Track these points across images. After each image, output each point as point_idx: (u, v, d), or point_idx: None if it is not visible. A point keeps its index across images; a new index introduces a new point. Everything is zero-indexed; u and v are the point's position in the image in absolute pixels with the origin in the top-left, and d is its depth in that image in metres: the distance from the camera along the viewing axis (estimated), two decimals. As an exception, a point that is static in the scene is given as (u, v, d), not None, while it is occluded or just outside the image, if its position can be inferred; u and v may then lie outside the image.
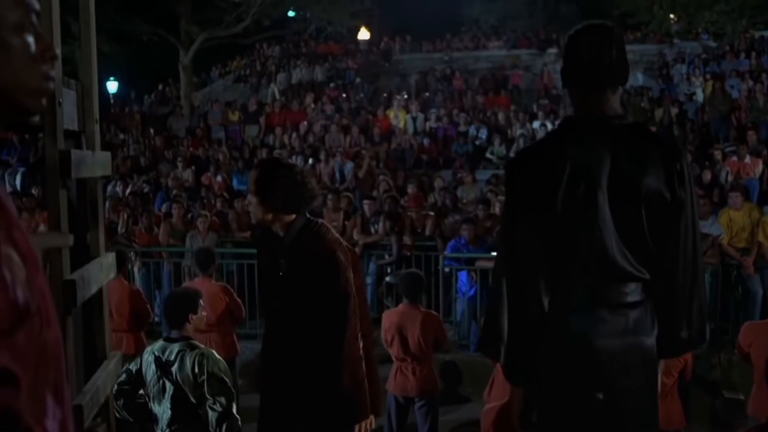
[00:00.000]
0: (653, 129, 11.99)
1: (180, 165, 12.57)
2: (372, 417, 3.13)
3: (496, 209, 8.45)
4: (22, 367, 0.87)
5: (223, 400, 3.56)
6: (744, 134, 11.86)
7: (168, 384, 3.76)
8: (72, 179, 2.27)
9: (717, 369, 6.79)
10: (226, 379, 3.63)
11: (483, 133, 14.50)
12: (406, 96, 17.86)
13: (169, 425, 3.65)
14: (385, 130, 15.01)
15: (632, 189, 1.94)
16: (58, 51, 2.31)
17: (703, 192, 9.24)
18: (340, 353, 2.92)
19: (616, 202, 1.95)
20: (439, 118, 15.37)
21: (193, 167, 12.63)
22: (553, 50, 22.19)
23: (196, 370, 3.66)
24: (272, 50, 24.53)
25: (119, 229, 9.00)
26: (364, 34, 23.81)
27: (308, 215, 3.04)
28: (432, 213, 8.83)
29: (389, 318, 5.12)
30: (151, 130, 15.46)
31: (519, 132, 14.09)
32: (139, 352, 5.80)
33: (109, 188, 11.06)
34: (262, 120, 15.93)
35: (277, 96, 19.23)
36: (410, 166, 13.65)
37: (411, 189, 10.25)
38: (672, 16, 19.73)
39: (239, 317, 5.87)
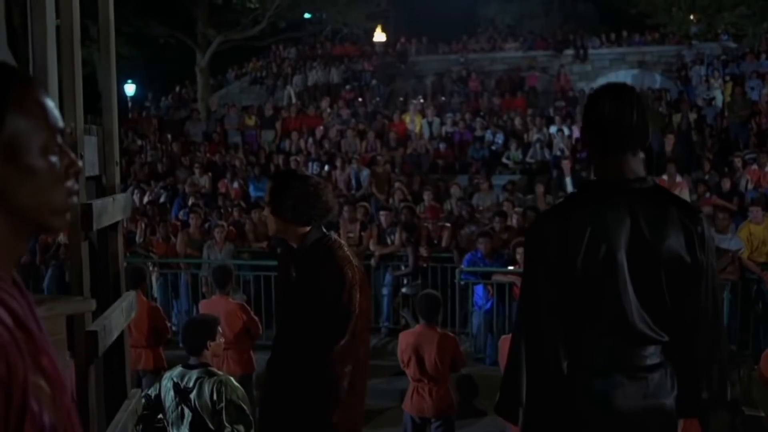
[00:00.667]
0: (671, 137, 11.99)
1: (197, 171, 12.65)
2: None
3: (513, 221, 8.43)
4: None
5: (241, 428, 3.60)
6: (765, 141, 11.73)
7: (187, 411, 3.80)
8: (94, 231, 2.29)
9: (737, 385, 6.72)
10: (245, 407, 3.67)
11: (499, 138, 14.44)
12: (422, 100, 17.83)
13: (187, 451, 3.69)
14: (401, 134, 15.00)
15: (652, 253, 1.93)
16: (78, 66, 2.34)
17: (723, 202, 9.19)
18: (324, 370, 2.85)
19: (635, 266, 1.94)
20: (455, 123, 15.33)
21: (209, 173, 12.69)
22: (570, 51, 22.07)
23: (215, 397, 3.70)
24: (288, 52, 24.58)
25: (137, 238, 9.07)
26: (379, 36, 23.79)
27: (324, 229, 3.01)
28: (448, 224, 8.81)
29: (406, 338, 5.12)
30: (169, 136, 15.54)
31: (535, 137, 14.02)
32: (157, 368, 5.88)
33: (126, 193, 11.13)
34: (278, 125, 15.97)
35: (293, 98, 19.27)
36: (426, 171, 13.63)
37: (427, 197, 10.23)
38: (691, 17, 19.52)
39: (256, 335, 5.91)
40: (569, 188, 11.37)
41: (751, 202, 8.10)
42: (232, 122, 16.14)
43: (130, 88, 24.42)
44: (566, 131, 13.99)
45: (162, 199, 11.55)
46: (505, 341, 4.72)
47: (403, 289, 8.23)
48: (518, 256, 7.16)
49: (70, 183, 1.05)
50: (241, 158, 13.68)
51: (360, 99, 19.07)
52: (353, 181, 12.21)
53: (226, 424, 3.59)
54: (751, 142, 12.51)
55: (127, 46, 18.60)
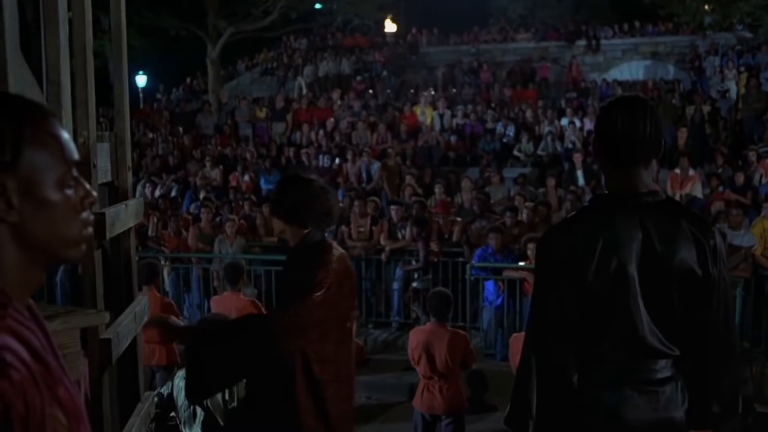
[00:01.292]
0: (684, 130, 11.89)
1: (208, 164, 12.68)
2: None
3: (524, 216, 8.40)
4: None
5: (253, 427, 3.63)
6: (779, 134, 11.62)
7: (199, 409, 3.84)
8: (107, 240, 2.31)
9: (749, 383, 6.70)
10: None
11: (510, 131, 14.37)
12: (433, 91, 17.77)
13: (200, 451, 3.73)
14: (411, 127, 14.96)
15: (663, 267, 1.92)
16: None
17: (736, 196, 9.12)
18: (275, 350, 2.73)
19: (647, 280, 1.93)
20: (466, 115, 15.27)
21: (221, 166, 12.73)
22: (582, 42, 21.91)
23: (227, 396, 3.74)
24: (299, 43, 24.54)
25: (149, 233, 9.13)
26: (390, 27, 23.73)
27: (325, 234, 2.97)
28: (459, 219, 8.80)
29: (416, 336, 5.13)
30: (180, 129, 15.58)
31: (547, 129, 13.93)
32: (170, 363, 5.93)
33: (138, 189, 11.20)
34: (289, 117, 15.97)
35: (304, 89, 19.27)
36: (437, 163, 13.61)
37: (438, 191, 10.21)
38: (706, 7, 19.28)
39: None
40: (581, 181, 11.32)
41: (765, 198, 8.03)
42: (243, 114, 16.16)
43: (141, 80, 24.49)
44: (578, 123, 13.91)
45: (173, 193, 11.60)
46: (516, 339, 4.74)
47: (414, 284, 8.25)
48: (529, 252, 7.14)
49: (85, 214, 1.06)
50: (252, 151, 13.70)
51: (371, 90, 19.03)
52: (364, 174, 12.21)
53: (238, 424, 3.61)
54: (765, 135, 12.37)
55: (138, 37, 18.64)
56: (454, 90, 18.57)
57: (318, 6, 23.75)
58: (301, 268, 2.82)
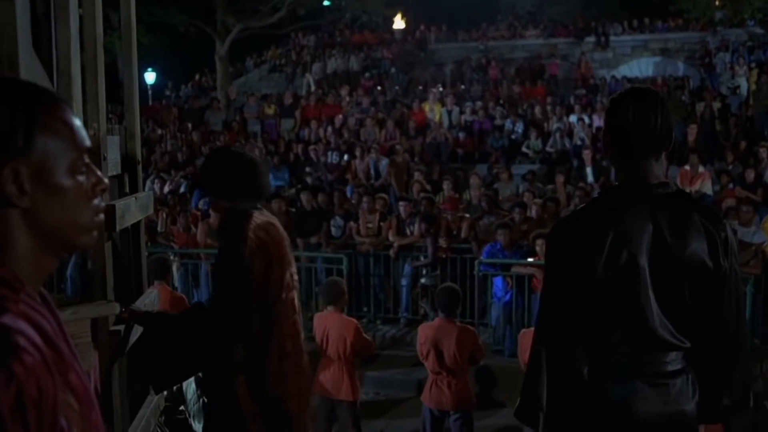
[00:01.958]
0: (694, 126, 11.82)
1: (217, 160, 12.67)
2: None
3: (533, 212, 8.38)
4: None
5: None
6: (791, 130, 11.53)
7: (208, 403, 3.84)
8: (117, 232, 2.32)
9: (759, 380, 6.66)
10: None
11: (519, 127, 14.33)
12: (441, 88, 17.73)
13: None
14: (420, 123, 14.94)
15: (674, 259, 1.91)
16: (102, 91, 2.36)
17: (746, 193, 9.07)
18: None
19: (657, 272, 1.92)
20: (474, 112, 15.24)
21: (229, 163, 12.71)
22: (591, 38, 21.82)
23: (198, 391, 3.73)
24: (307, 40, 24.54)
25: (158, 228, 9.16)
26: (399, 23, 23.70)
27: (256, 207, 2.77)
28: (467, 215, 8.79)
29: (425, 332, 5.13)
30: (189, 125, 15.62)
31: (555, 126, 13.89)
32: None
33: (147, 185, 11.24)
34: (297, 113, 15.98)
35: (312, 86, 19.27)
36: (445, 160, 13.59)
37: (446, 187, 10.20)
38: (716, 2, 19.16)
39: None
40: (590, 178, 11.28)
41: (775, 194, 7.97)
42: (252, 111, 16.18)
43: (150, 77, 24.58)
44: (587, 120, 13.85)
45: (182, 189, 11.63)
46: (524, 334, 4.74)
47: (422, 280, 8.25)
48: (538, 248, 7.13)
49: (96, 201, 1.06)
50: (260, 147, 13.70)
51: (379, 87, 19.02)
52: (372, 171, 12.21)
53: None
54: (776, 131, 12.31)
55: (147, 34, 18.68)
56: (463, 87, 18.54)
57: (326, 3, 23.78)
58: (221, 242, 2.76)
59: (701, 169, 10.11)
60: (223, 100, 17.76)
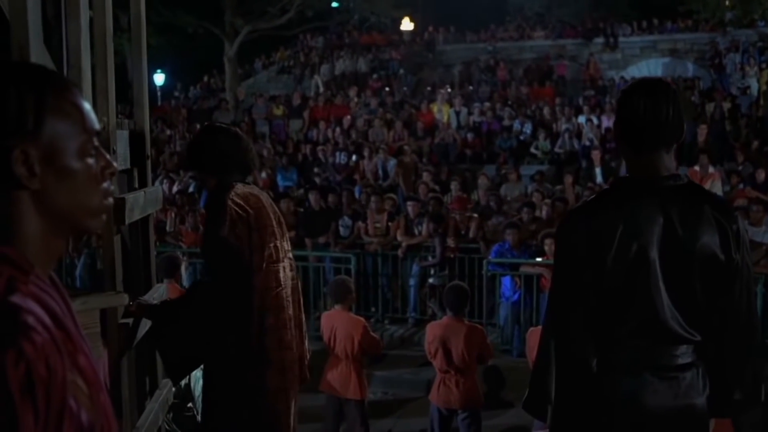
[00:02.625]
0: (704, 127, 11.76)
1: (225, 161, 12.70)
2: None
3: (542, 212, 8.36)
4: None
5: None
6: (801, 131, 11.45)
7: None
8: (126, 225, 2.33)
9: (769, 380, 6.62)
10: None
11: (527, 128, 14.31)
12: (449, 89, 17.73)
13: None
14: (428, 124, 14.94)
15: (685, 251, 1.90)
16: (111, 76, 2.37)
17: (757, 193, 9.01)
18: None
19: (668, 265, 1.91)
20: (482, 112, 15.22)
21: (238, 163, 12.74)
22: (599, 39, 21.76)
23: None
24: (316, 41, 24.59)
25: (167, 228, 9.19)
26: (407, 25, 23.70)
27: (241, 182, 2.75)
28: (476, 215, 8.77)
29: (433, 330, 5.12)
30: (197, 126, 15.67)
31: (564, 127, 13.86)
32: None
33: (156, 185, 11.26)
34: (305, 114, 16.01)
35: (321, 88, 19.31)
36: (453, 160, 13.58)
37: (454, 188, 10.20)
38: (726, 3, 19.06)
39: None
40: (599, 179, 11.24)
41: (786, 194, 7.92)
42: (260, 112, 16.22)
43: (159, 78, 24.68)
44: (595, 121, 13.81)
45: (191, 189, 11.66)
46: (532, 333, 4.71)
47: (430, 280, 8.24)
48: (546, 248, 7.11)
49: (106, 184, 1.07)
50: (268, 148, 13.74)
51: (387, 88, 19.03)
52: (380, 171, 12.22)
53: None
54: (787, 132, 12.23)
55: (156, 35, 18.78)
56: (471, 87, 18.53)
57: (335, 4, 23.82)
58: (207, 217, 2.75)
59: (711, 169, 10.05)
60: (232, 101, 17.81)
